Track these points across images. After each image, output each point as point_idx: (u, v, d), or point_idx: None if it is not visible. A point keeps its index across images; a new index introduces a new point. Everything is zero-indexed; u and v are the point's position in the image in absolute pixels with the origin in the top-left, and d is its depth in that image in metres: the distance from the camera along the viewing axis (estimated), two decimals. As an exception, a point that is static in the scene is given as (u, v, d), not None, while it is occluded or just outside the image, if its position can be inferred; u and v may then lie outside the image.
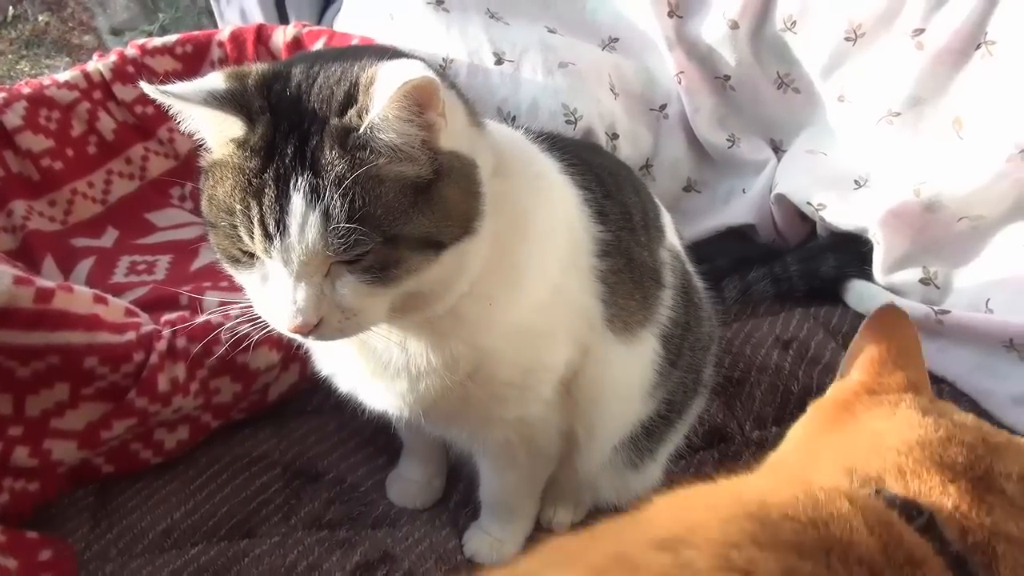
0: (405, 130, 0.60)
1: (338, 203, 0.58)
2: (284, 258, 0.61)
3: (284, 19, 1.83)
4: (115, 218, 1.44)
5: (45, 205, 1.38)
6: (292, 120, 0.61)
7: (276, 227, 0.60)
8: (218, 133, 0.64)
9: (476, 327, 0.74)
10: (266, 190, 0.60)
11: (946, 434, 0.55)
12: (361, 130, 0.60)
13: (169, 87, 0.62)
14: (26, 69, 2.72)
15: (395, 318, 0.69)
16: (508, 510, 0.98)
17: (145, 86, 0.63)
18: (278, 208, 0.59)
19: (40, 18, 2.84)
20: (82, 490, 1.04)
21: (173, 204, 1.50)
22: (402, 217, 0.61)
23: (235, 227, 0.62)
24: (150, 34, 2.44)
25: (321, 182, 0.59)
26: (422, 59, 0.68)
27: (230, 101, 0.62)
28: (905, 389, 0.66)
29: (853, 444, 0.58)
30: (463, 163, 0.66)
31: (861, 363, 0.70)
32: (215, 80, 0.64)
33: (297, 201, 0.59)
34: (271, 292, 0.64)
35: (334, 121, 0.60)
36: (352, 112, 0.60)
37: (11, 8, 2.84)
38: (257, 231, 0.61)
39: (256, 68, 0.66)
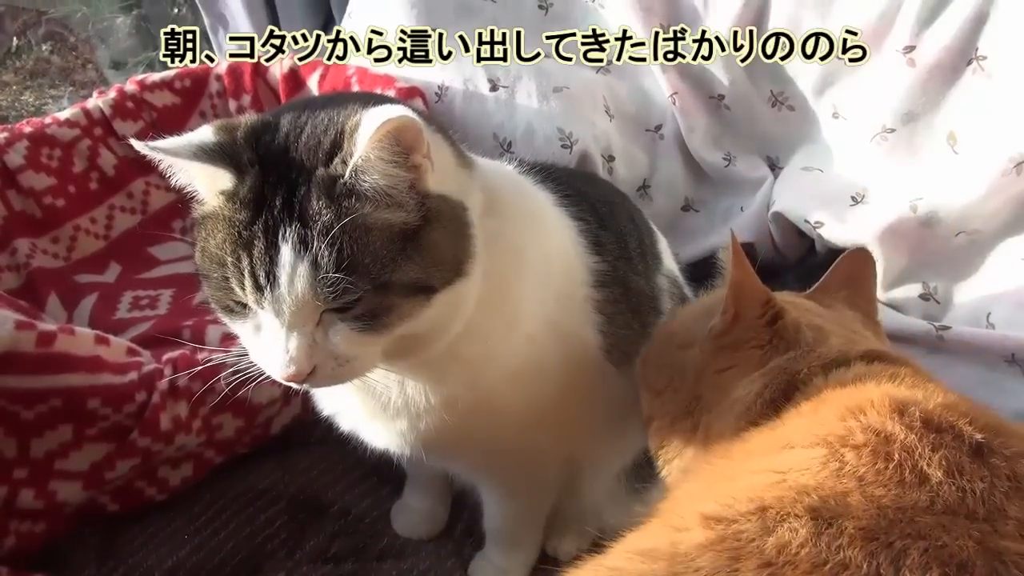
0: (389, 171, 0.60)
1: (326, 253, 0.59)
2: (275, 309, 0.61)
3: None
4: (117, 253, 1.45)
5: (48, 242, 1.39)
6: (280, 171, 0.62)
7: (266, 278, 0.60)
8: (209, 185, 0.65)
9: (473, 365, 0.74)
10: (255, 242, 0.61)
11: None
12: (346, 176, 0.60)
13: (159, 143, 0.63)
14: (30, 100, 2.75)
15: (392, 361, 0.69)
16: (512, 540, 0.98)
17: (135, 143, 0.64)
18: (267, 260, 0.60)
19: (43, 48, 2.87)
20: (88, 529, 1.04)
21: (175, 237, 1.52)
22: (391, 264, 0.61)
23: (227, 279, 0.63)
24: (152, 61, 2.47)
25: (309, 232, 0.59)
26: (412, 105, 0.69)
27: (219, 154, 0.63)
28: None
29: None
30: (452, 206, 0.66)
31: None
32: (205, 133, 0.65)
33: (286, 252, 0.60)
34: (265, 341, 0.64)
35: (320, 171, 0.61)
36: (338, 160, 0.61)
37: (15, 39, 2.88)
38: (248, 283, 0.61)
39: (245, 120, 0.67)
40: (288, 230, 0.60)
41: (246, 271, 0.61)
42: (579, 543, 1.02)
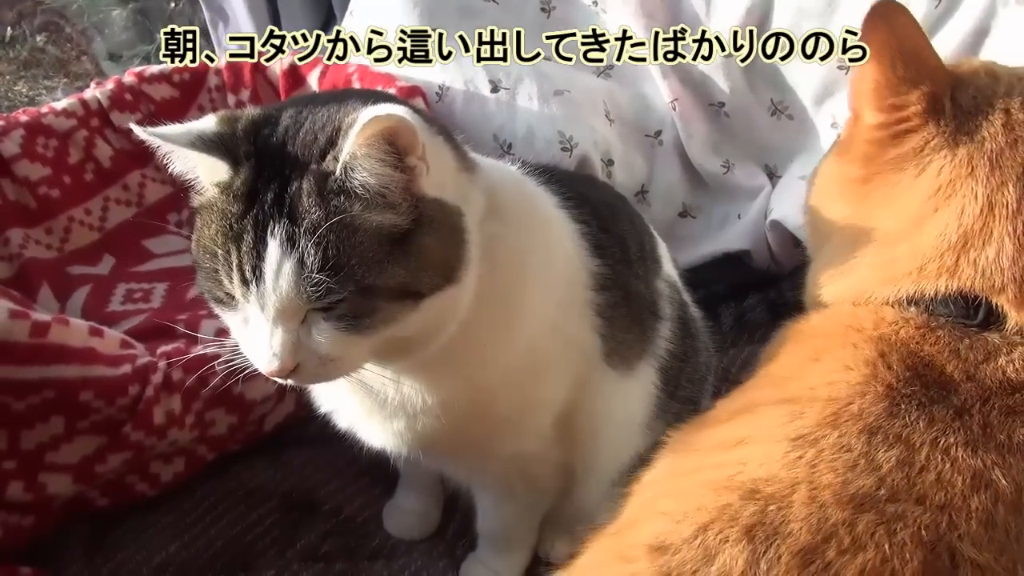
0: (380, 171, 0.60)
1: (311, 252, 0.59)
2: (261, 303, 0.61)
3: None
4: (112, 245, 1.44)
5: (42, 233, 1.38)
6: (276, 166, 0.62)
7: (252, 273, 0.60)
8: (207, 175, 0.65)
9: (471, 367, 0.74)
10: (245, 235, 0.61)
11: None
12: (337, 173, 0.60)
13: (159, 130, 0.63)
14: (24, 90, 2.73)
15: (384, 361, 0.69)
16: (506, 542, 0.98)
17: (136, 128, 0.64)
18: (255, 254, 0.60)
19: (38, 39, 2.85)
20: (77, 523, 1.03)
21: (170, 231, 1.50)
22: (376, 267, 0.60)
23: (217, 270, 0.63)
24: (148, 55, 2.46)
25: (297, 230, 0.59)
26: (413, 105, 0.69)
27: (217, 145, 0.63)
28: (926, 112, 0.63)
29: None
30: (446, 212, 0.65)
31: (867, 96, 0.65)
32: (207, 123, 0.65)
33: (273, 248, 0.60)
34: (251, 335, 0.64)
35: (313, 167, 0.61)
36: (330, 156, 0.61)
37: (9, 29, 2.86)
38: (236, 276, 0.61)
39: (248, 113, 0.67)
40: (277, 226, 0.60)
41: (234, 264, 0.61)
42: (573, 546, 1.01)
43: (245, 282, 0.61)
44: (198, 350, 1.01)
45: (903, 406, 0.50)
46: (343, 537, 1.04)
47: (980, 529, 0.45)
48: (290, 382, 0.66)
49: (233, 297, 0.64)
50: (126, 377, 0.97)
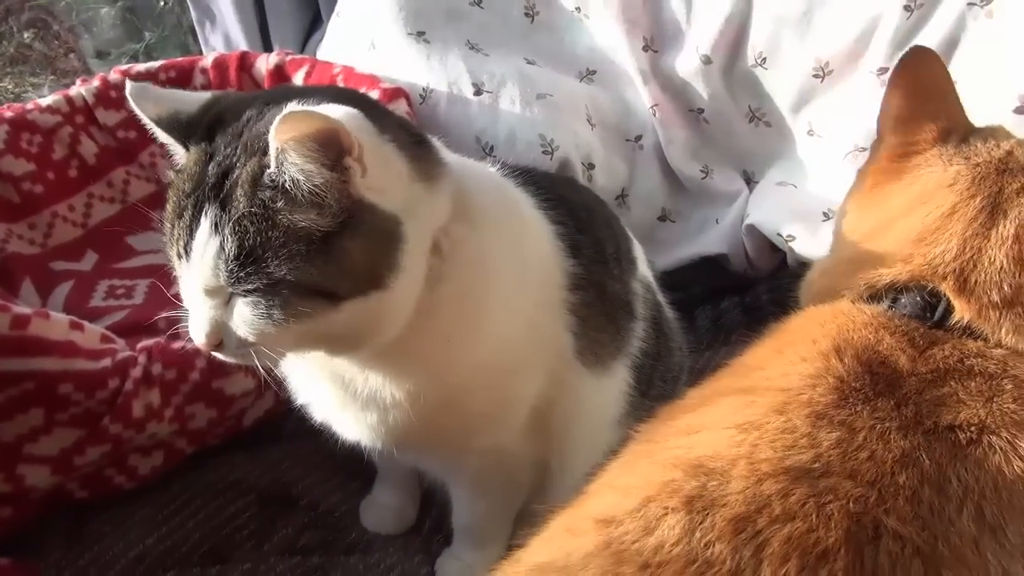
0: (307, 168, 0.60)
1: (229, 239, 0.61)
2: (191, 279, 0.65)
3: (268, 46, 1.86)
4: (95, 241, 1.45)
5: (25, 228, 1.38)
6: (228, 152, 0.65)
7: (184, 250, 0.64)
8: (177, 151, 0.70)
9: (439, 365, 0.75)
10: (185, 214, 0.64)
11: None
12: (272, 167, 0.61)
13: (147, 91, 0.69)
14: (10, 87, 2.72)
15: (331, 353, 0.72)
16: (480, 537, 0.99)
17: (130, 85, 0.68)
18: (188, 233, 0.64)
19: (25, 35, 2.84)
20: (56, 515, 1.03)
21: (154, 228, 1.51)
22: (288, 263, 0.61)
23: (167, 243, 0.67)
24: (136, 53, 2.46)
25: (224, 216, 0.62)
26: (395, 106, 0.70)
27: (177, 126, 0.67)
28: (934, 140, 0.70)
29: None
30: (380, 219, 0.65)
31: (891, 120, 0.74)
32: (195, 99, 0.70)
33: (202, 230, 0.63)
34: (188, 307, 0.68)
35: (255, 159, 0.63)
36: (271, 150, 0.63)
37: (-5, 25, 2.84)
38: (174, 250, 0.66)
39: (227, 97, 0.71)
40: (210, 209, 0.63)
41: (174, 239, 0.65)
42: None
43: (179, 257, 0.65)
44: (178, 344, 1.03)
45: (851, 398, 0.53)
46: (320, 531, 1.05)
47: (906, 505, 0.47)
48: (221, 356, 0.69)
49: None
50: (106, 371, 0.97)
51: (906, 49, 1.22)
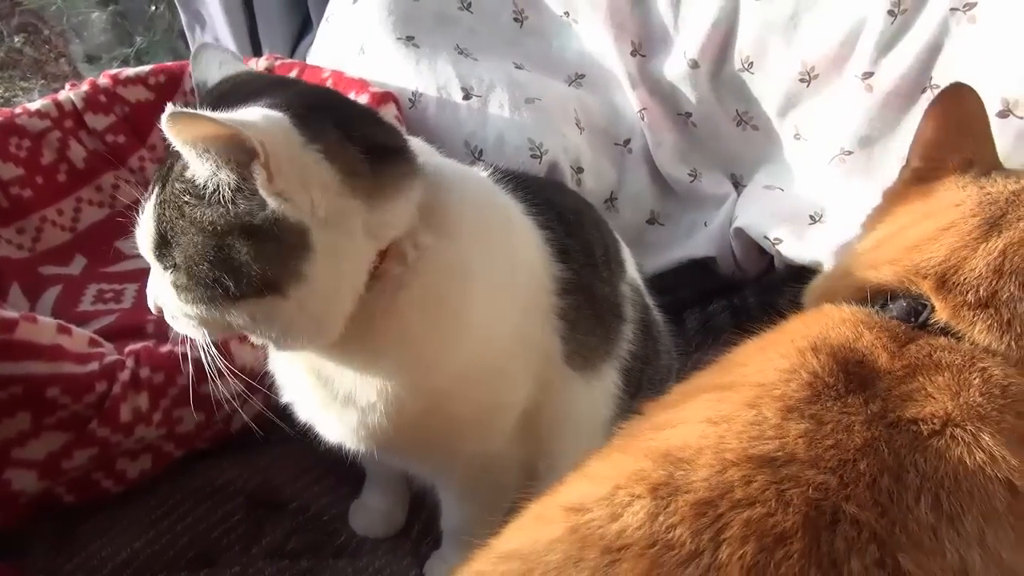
0: (203, 168, 0.63)
1: (151, 221, 0.68)
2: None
3: (258, 50, 1.86)
4: (83, 246, 1.44)
5: (13, 232, 1.38)
6: None
7: (136, 222, 0.71)
8: None
9: (416, 370, 0.75)
10: (146, 190, 0.71)
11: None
12: (183, 162, 0.65)
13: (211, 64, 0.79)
14: (0, 91, 2.71)
15: (270, 343, 0.75)
16: (469, 540, 0.99)
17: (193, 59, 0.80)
18: (143, 207, 0.70)
19: (15, 40, 2.84)
20: (44, 519, 1.03)
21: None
22: (185, 251, 0.66)
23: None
24: (126, 58, 2.46)
25: (156, 200, 0.68)
26: (384, 111, 0.72)
27: (200, 96, 0.75)
28: (955, 169, 0.73)
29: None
30: (282, 227, 0.64)
31: (920, 146, 0.77)
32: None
33: (147, 208, 0.69)
34: None
35: None
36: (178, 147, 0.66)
37: (-15, 31, 2.84)
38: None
39: (237, 78, 0.76)
40: (155, 191, 0.69)
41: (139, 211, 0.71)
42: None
43: (135, 226, 0.71)
44: (166, 347, 1.03)
45: (823, 394, 0.54)
46: (308, 535, 1.05)
47: (865, 492, 0.49)
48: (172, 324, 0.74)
49: None
50: (93, 374, 0.97)
51: (894, 53, 1.25)
